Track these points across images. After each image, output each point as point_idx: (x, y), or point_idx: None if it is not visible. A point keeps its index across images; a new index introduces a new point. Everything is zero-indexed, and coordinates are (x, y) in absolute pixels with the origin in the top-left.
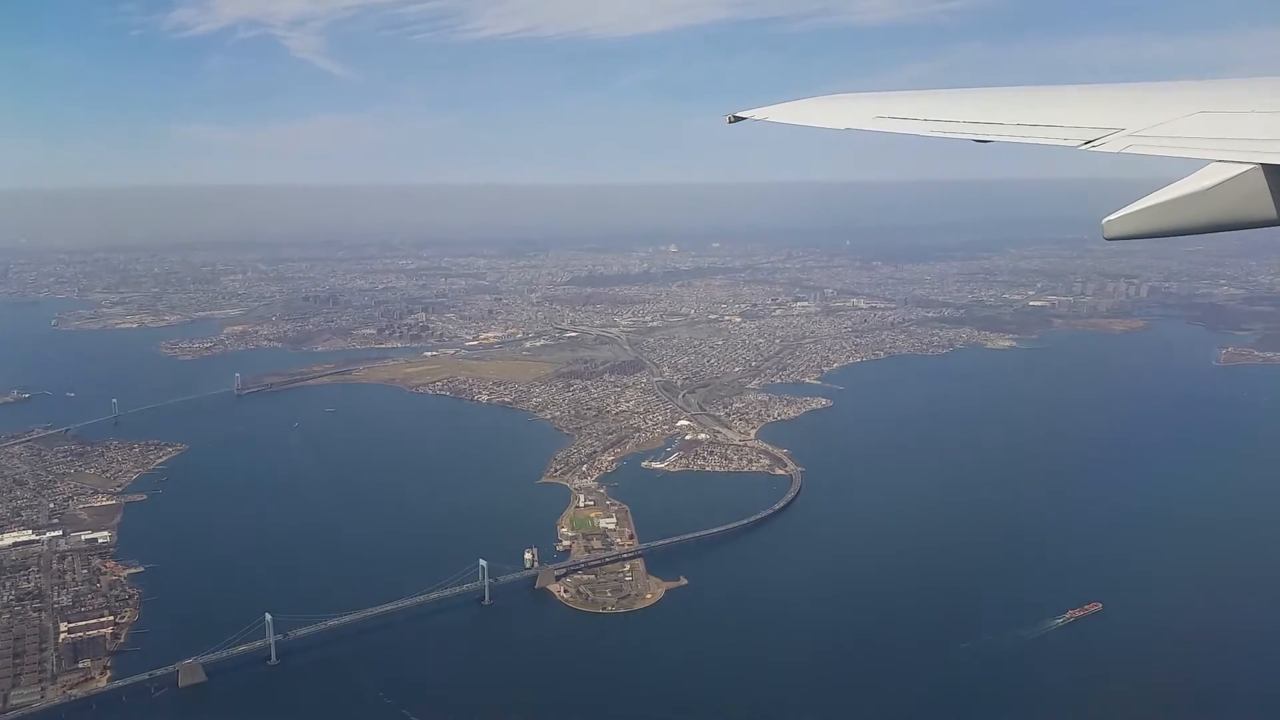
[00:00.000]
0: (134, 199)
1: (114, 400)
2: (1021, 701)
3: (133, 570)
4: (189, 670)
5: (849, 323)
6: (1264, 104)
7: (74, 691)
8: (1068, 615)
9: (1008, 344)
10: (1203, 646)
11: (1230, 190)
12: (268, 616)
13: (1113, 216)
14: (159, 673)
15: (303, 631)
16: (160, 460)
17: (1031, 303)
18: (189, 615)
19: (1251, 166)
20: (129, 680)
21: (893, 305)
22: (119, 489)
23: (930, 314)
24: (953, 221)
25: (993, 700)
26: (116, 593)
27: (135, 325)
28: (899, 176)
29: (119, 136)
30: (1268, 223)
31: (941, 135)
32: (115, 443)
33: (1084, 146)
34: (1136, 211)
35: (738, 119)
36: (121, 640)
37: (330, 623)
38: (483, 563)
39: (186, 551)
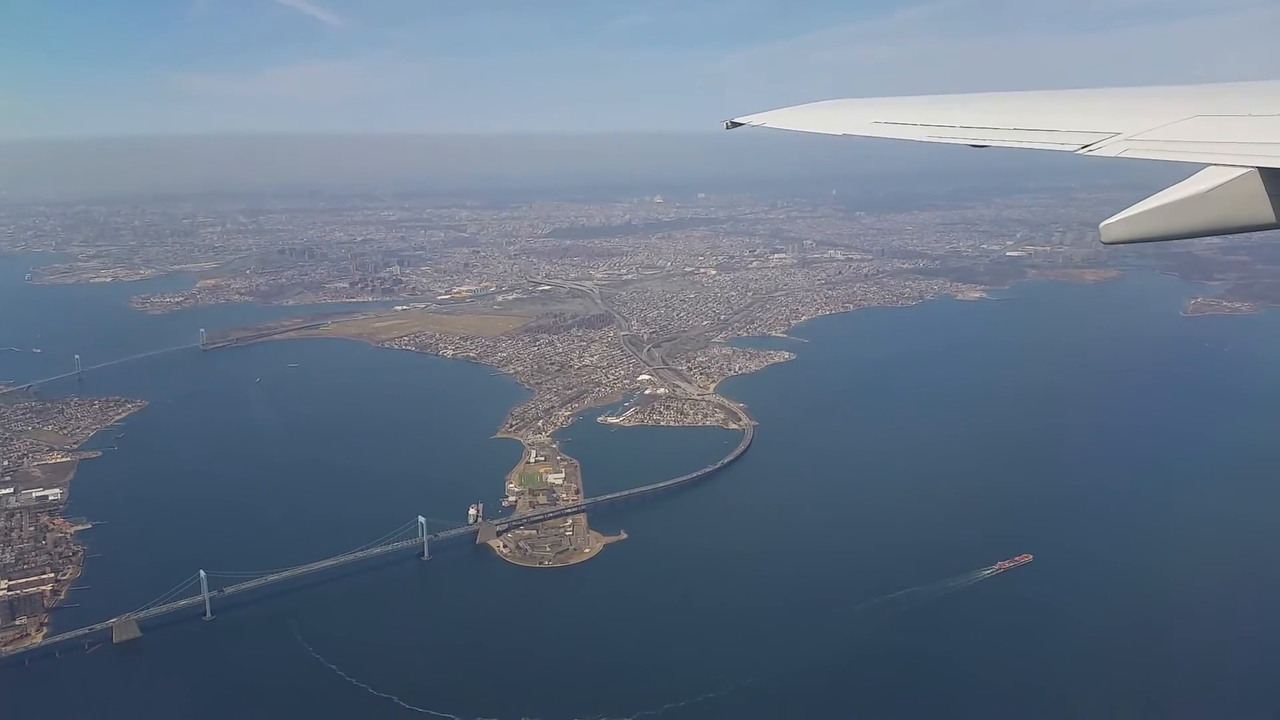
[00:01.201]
0: (118, 150)
1: (77, 357)
2: (928, 646)
3: (80, 527)
4: (123, 626)
5: (823, 275)
6: (1260, 108)
7: (7, 648)
8: (998, 566)
9: (978, 295)
10: (1130, 595)
11: (1228, 194)
12: (202, 573)
13: (1110, 220)
14: (94, 629)
15: (238, 588)
16: (119, 417)
17: (1009, 253)
18: (132, 572)
19: (1248, 170)
20: (64, 636)
21: (869, 257)
22: (75, 446)
23: (906, 265)
24: (944, 168)
25: (902, 647)
26: (61, 550)
27: (109, 279)
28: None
29: (103, 86)
30: (1265, 226)
31: (938, 141)
32: (76, 399)
33: (1081, 151)
34: (1133, 215)
35: (735, 125)
36: (61, 597)
37: (269, 578)
38: (421, 519)
39: (136, 508)
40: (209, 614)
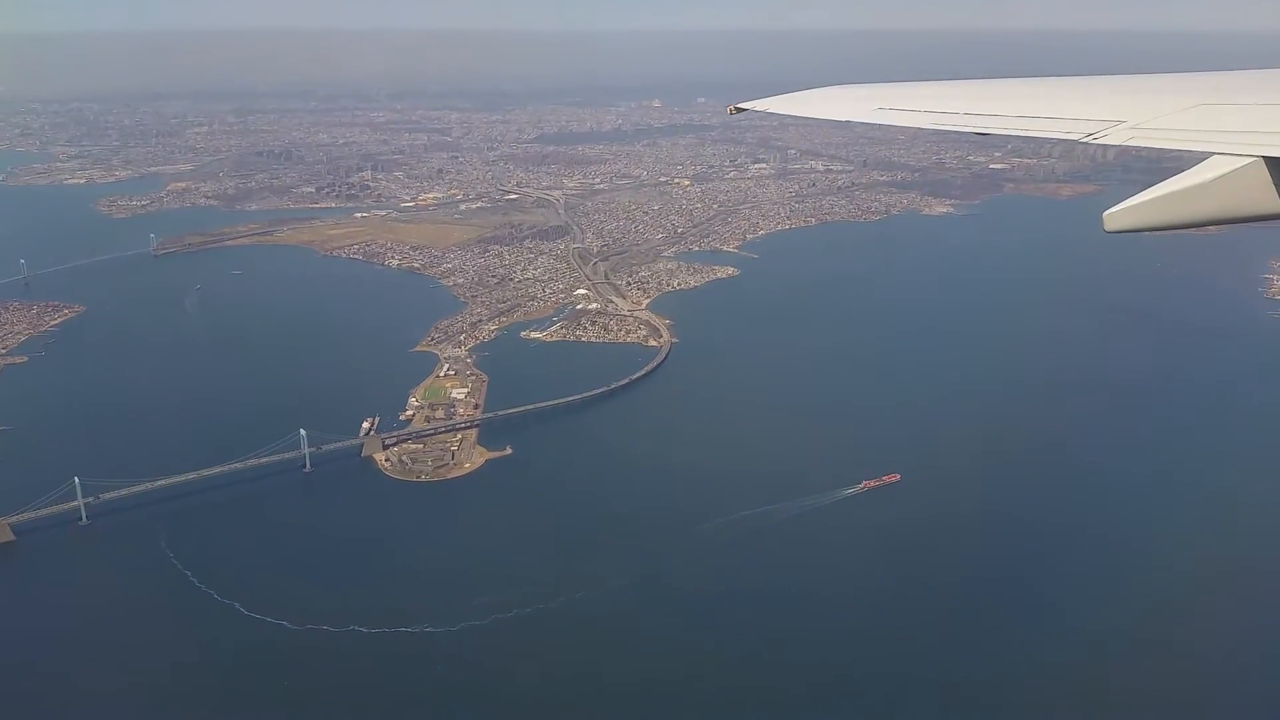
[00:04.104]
0: (119, 45)
1: (22, 261)
2: (750, 563)
3: None
4: None
5: (797, 187)
6: (1265, 96)
7: None
8: (863, 485)
9: (945, 210)
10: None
11: (1232, 183)
12: (76, 479)
13: (1113, 210)
14: None
15: (115, 494)
16: (54, 322)
17: (992, 165)
18: (23, 476)
19: (1253, 159)
20: None
21: (850, 167)
22: (2, 351)
23: (883, 178)
24: (957, 74)
25: (728, 564)
26: None
27: (83, 181)
28: (923, 24)
29: None
30: (1270, 216)
31: (943, 127)
32: (15, 304)
33: (1085, 139)
34: (1137, 205)
35: (739, 110)
36: None
37: (147, 485)
38: (302, 431)
39: (47, 414)
40: (84, 519)
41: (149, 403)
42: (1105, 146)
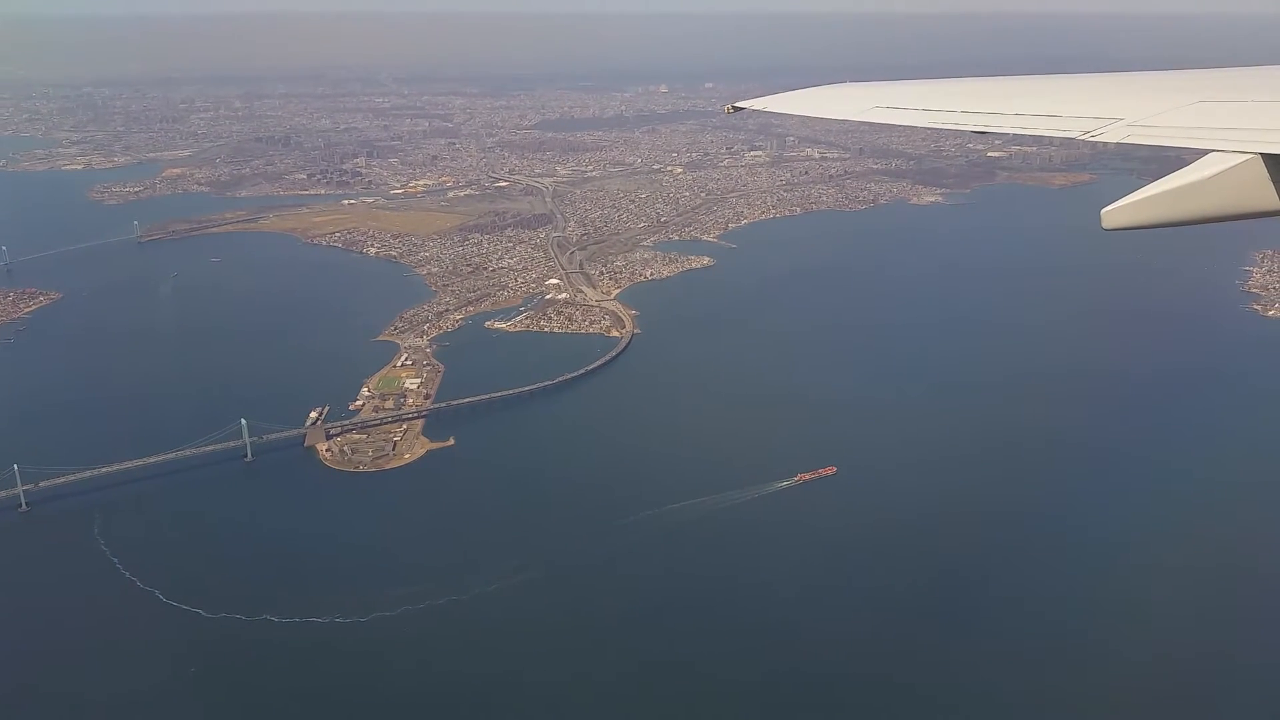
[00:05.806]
0: (134, 29)
1: (3, 248)
2: (667, 556)
3: None
4: None
5: (788, 175)
6: (1263, 93)
7: None
8: (797, 478)
9: (934, 199)
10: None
11: (1230, 180)
12: (15, 467)
13: (1111, 207)
14: None
15: (54, 482)
16: (28, 309)
17: (990, 153)
18: None
19: (1251, 156)
20: None
21: (846, 155)
22: None
23: (877, 166)
24: (975, 59)
25: (646, 558)
26: None
27: (81, 167)
28: (926, 9)
29: None
30: (1269, 213)
31: (940, 126)
32: None
33: (1083, 136)
34: (1135, 202)
35: (736, 109)
36: None
37: (88, 473)
38: (243, 421)
39: (6, 401)
40: (24, 506)
41: (107, 390)
42: None
